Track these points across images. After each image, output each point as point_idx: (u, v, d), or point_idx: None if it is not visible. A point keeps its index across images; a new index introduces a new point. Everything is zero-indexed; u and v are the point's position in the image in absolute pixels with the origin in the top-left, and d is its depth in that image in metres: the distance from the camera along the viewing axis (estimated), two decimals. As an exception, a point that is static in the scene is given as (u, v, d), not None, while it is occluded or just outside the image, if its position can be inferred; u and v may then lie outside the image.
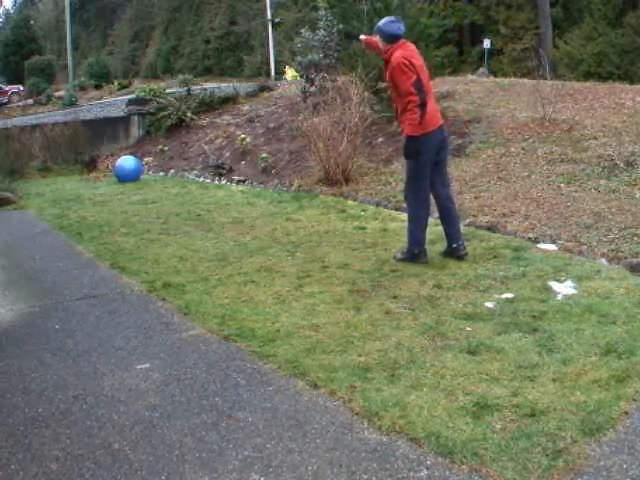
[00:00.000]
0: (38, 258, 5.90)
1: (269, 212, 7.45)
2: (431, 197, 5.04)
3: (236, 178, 10.49)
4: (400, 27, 4.79)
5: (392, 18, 4.89)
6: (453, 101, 10.77)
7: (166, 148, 12.95)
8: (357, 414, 2.70)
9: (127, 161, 11.51)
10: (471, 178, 7.38)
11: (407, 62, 4.64)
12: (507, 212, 6.08)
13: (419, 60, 4.76)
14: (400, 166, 8.43)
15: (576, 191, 6.34)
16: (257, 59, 33.96)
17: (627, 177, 6.42)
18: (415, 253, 4.93)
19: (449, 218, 5.02)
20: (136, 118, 14.62)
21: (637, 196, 5.93)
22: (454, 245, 4.95)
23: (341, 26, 12.50)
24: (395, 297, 4.14)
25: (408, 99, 4.66)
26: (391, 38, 4.77)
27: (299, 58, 13.01)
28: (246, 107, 14.19)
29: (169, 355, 3.44)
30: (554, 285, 4.17)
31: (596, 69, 21.87)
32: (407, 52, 4.75)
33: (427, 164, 4.85)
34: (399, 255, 5.03)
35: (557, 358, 3.10)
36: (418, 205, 4.97)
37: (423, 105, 4.62)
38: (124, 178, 11.04)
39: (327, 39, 12.65)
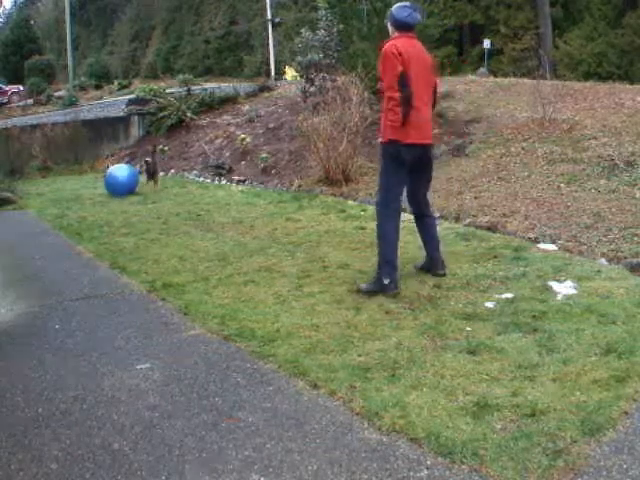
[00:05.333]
0: (38, 258, 5.90)
1: (269, 212, 7.45)
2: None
3: (236, 178, 10.50)
4: (412, 15, 4.15)
5: (407, 4, 4.23)
6: (453, 101, 10.77)
7: (166, 148, 12.95)
8: (357, 414, 2.69)
9: (120, 170, 9.64)
10: (471, 178, 7.38)
11: (396, 52, 4.03)
12: (507, 212, 6.08)
13: (419, 60, 4.15)
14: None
15: (576, 191, 6.34)
16: (257, 59, 33.95)
17: (627, 177, 6.43)
18: (384, 284, 4.14)
19: (430, 234, 4.59)
20: (136, 118, 14.62)
21: (637, 196, 5.93)
22: (434, 270, 4.51)
23: (341, 26, 12.51)
24: (395, 297, 4.14)
25: (389, 95, 4.04)
26: (396, 23, 4.19)
27: (299, 58, 13.01)
28: (246, 107, 14.18)
29: (169, 355, 3.44)
30: (554, 285, 4.17)
31: (596, 69, 21.88)
32: (404, 44, 4.12)
33: (399, 176, 4.25)
34: (364, 286, 4.24)
35: (557, 358, 3.10)
36: (385, 221, 4.27)
37: (407, 102, 3.99)
38: (116, 191, 9.29)
39: (327, 39, 12.66)
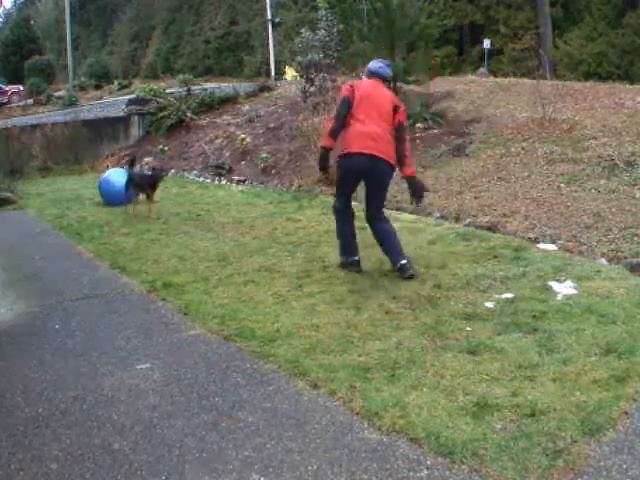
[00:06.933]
0: (38, 258, 5.90)
1: (269, 212, 7.45)
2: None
3: (236, 178, 10.49)
4: (383, 68, 4.84)
5: (383, 60, 5.01)
6: (453, 101, 10.78)
7: (166, 148, 12.95)
8: (357, 414, 2.70)
9: (117, 176, 8.39)
10: (471, 178, 7.38)
11: (349, 84, 4.79)
12: (507, 212, 6.08)
13: (370, 90, 4.70)
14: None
15: (576, 191, 6.34)
16: (257, 59, 33.93)
17: (627, 177, 6.42)
18: (347, 262, 4.83)
19: (385, 237, 4.77)
20: (136, 118, 14.61)
21: (637, 196, 5.93)
22: (398, 265, 4.59)
23: (341, 26, 12.52)
24: (395, 297, 4.14)
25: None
26: (368, 72, 4.88)
27: (299, 58, 13.02)
28: (246, 107, 14.18)
29: (169, 355, 3.44)
30: (554, 285, 4.17)
31: (596, 69, 21.89)
32: (364, 83, 4.83)
33: (344, 184, 4.87)
34: (340, 260, 4.95)
35: (557, 358, 3.10)
36: (338, 219, 4.98)
37: (334, 133, 4.67)
38: (112, 200, 8.31)
39: (327, 39, 12.67)
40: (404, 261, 4.58)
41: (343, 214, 4.94)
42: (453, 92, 11.30)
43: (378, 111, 4.66)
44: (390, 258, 4.69)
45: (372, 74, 4.86)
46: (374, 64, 4.91)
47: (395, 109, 4.71)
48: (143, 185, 7.54)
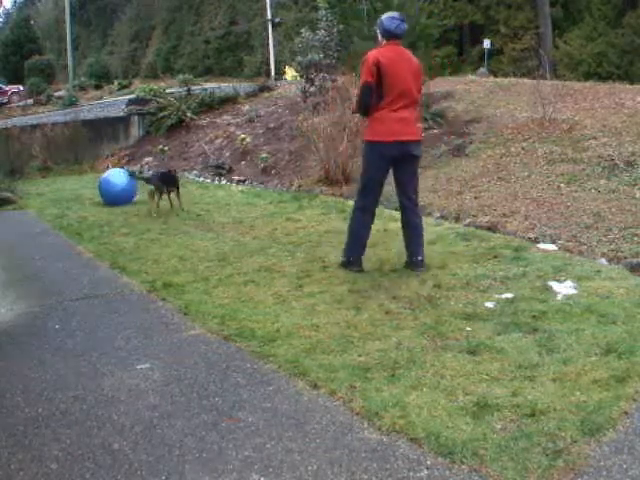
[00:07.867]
0: (38, 258, 5.90)
1: (269, 212, 7.45)
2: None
3: (236, 178, 10.50)
4: (399, 26, 4.53)
5: (396, 15, 4.65)
6: (453, 101, 10.78)
7: (166, 148, 12.95)
8: (357, 414, 2.69)
9: (116, 177, 8.47)
10: (471, 178, 7.38)
11: (373, 63, 4.42)
12: (507, 212, 6.09)
13: (398, 66, 4.48)
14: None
15: (576, 191, 6.34)
16: (257, 59, 33.94)
17: (627, 177, 6.43)
18: (350, 261, 4.78)
19: (414, 231, 4.74)
20: (136, 118, 14.61)
21: (637, 196, 5.93)
22: (413, 259, 4.70)
23: (341, 26, 12.54)
24: (395, 297, 4.14)
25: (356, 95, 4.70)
26: (384, 33, 4.57)
27: (299, 58, 13.03)
28: (246, 107, 14.19)
29: (169, 355, 3.44)
30: (554, 285, 4.17)
31: (596, 69, 21.88)
32: (388, 53, 4.50)
33: (375, 177, 4.67)
34: (341, 260, 4.93)
35: (557, 358, 3.10)
36: (359, 217, 4.77)
37: (364, 111, 4.57)
38: (112, 200, 8.49)
39: (327, 39, 12.69)
40: (420, 257, 4.68)
41: (366, 214, 4.75)
42: (453, 92, 11.30)
43: (404, 92, 4.49)
44: (412, 248, 4.72)
45: (389, 34, 4.53)
46: (389, 22, 4.54)
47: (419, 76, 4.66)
48: (168, 184, 7.72)
